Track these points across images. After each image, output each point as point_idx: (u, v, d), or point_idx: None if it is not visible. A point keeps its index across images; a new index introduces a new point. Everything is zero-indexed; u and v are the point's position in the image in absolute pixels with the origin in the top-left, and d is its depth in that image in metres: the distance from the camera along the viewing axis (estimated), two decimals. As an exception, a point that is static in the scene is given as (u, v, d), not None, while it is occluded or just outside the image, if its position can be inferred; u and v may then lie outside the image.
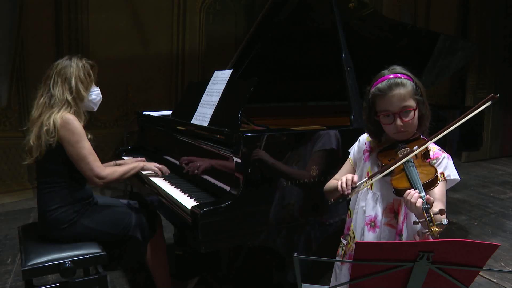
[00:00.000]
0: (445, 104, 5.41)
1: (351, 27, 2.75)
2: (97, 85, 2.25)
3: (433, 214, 1.25)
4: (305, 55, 3.03)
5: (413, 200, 1.29)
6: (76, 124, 2.04)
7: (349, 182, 1.47)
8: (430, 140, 1.45)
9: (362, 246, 1.08)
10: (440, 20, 6.01)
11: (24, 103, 4.33)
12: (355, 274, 1.11)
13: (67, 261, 1.92)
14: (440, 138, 1.46)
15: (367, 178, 1.52)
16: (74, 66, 2.12)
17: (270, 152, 1.91)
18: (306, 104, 3.47)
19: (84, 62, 2.17)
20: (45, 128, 2.01)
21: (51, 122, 2.01)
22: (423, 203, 1.27)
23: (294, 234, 2.01)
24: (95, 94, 2.22)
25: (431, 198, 1.31)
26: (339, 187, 1.48)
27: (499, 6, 6.35)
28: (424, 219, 1.24)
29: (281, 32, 2.80)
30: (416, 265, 1.06)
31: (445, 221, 1.21)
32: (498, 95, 1.36)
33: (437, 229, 1.20)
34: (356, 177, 1.49)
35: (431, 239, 1.19)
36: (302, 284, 1.17)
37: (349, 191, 1.46)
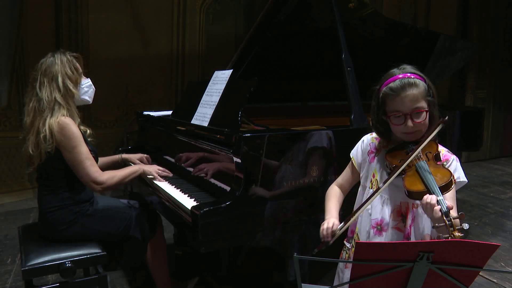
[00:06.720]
0: (445, 104, 5.40)
1: (351, 27, 2.75)
2: (86, 77, 2.16)
3: (453, 219, 1.19)
4: (305, 55, 3.02)
5: (431, 203, 1.24)
6: (73, 129, 1.98)
7: (329, 231, 1.46)
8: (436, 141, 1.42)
9: (362, 246, 1.08)
10: (440, 20, 6.00)
11: (24, 103, 4.33)
12: (355, 274, 1.11)
13: (67, 261, 1.92)
14: (441, 138, 1.46)
15: (343, 223, 1.47)
16: (59, 63, 2.04)
17: (270, 152, 1.90)
18: (306, 104, 3.47)
19: (68, 56, 2.08)
20: (41, 135, 1.95)
21: (47, 129, 1.95)
22: (441, 207, 1.22)
23: (292, 234, 2.00)
24: (87, 86, 2.15)
25: (450, 203, 1.25)
26: (320, 235, 1.48)
27: (499, 6, 6.35)
28: (443, 224, 1.19)
29: (281, 32, 2.80)
30: (416, 265, 1.06)
31: (466, 226, 1.17)
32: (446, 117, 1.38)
33: (459, 234, 1.15)
34: (335, 224, 1.48)
35: None
36: (302, 284, 1.17)
37: (329, 238, 1.46)
